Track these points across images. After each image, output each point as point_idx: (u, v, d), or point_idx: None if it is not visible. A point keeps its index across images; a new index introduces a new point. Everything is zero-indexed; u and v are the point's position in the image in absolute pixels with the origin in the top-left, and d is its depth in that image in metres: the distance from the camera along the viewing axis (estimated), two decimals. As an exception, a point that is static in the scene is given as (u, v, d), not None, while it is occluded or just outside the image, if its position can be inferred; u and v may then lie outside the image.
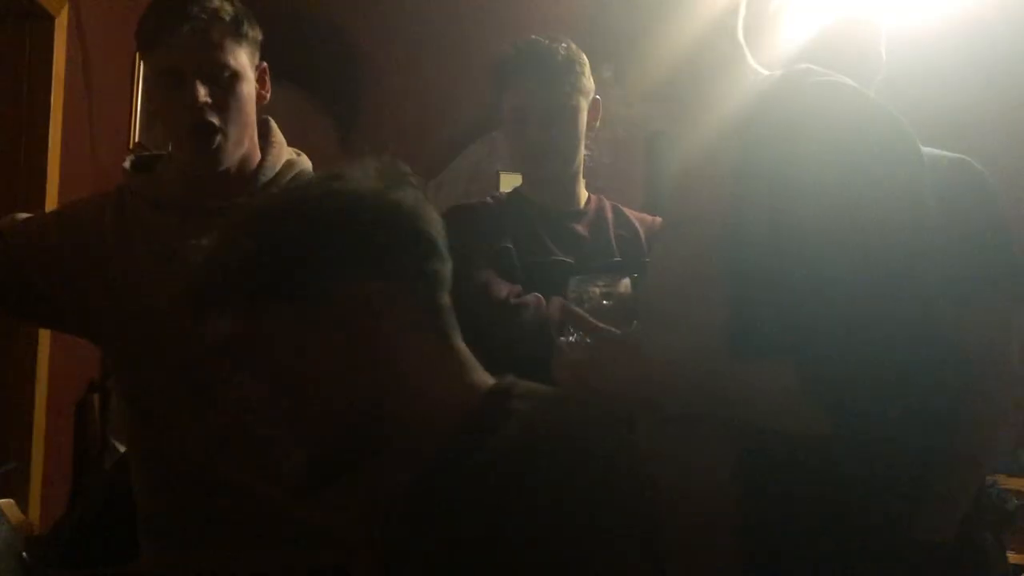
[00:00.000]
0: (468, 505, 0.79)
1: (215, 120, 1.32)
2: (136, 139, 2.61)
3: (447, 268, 0.89)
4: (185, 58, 1.31)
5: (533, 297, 1.55)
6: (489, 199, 1.73)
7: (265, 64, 1.42)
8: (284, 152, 1.46)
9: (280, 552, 1.30)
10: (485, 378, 0.90)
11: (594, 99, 1.73)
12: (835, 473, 1.00)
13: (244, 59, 1.35)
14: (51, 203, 2.03)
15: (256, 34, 1.38)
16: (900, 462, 1.02)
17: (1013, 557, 2.20)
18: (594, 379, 1.08)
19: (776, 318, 1.00)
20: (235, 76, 1.33)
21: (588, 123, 1.72)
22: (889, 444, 1.00)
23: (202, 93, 1.30)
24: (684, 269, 1.12)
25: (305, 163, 1.48)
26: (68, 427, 2.34)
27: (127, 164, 1.46)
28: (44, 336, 2.04)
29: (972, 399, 1.52)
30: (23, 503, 1.92)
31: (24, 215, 1.50)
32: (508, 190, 1.74)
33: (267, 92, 1.43)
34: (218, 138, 1.33)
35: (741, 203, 1.04)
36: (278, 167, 1.42)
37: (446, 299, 0.89)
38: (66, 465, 2.31)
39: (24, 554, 1.41)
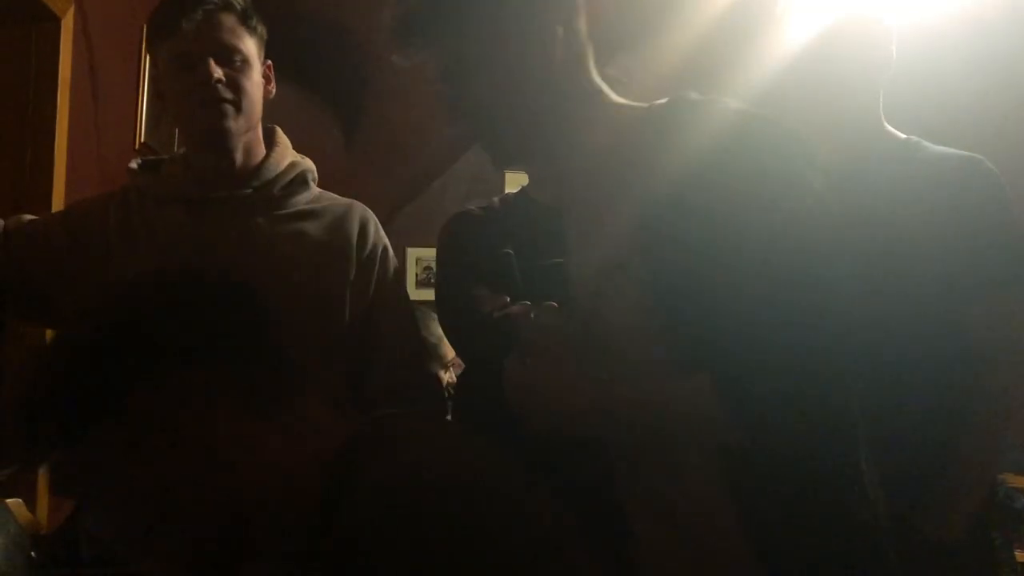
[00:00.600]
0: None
1: (228, 95, 1.35)
2: (142, 140, 2.61)
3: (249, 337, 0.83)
4: (199, 42, 1.36)
5: (519, 307, 1.53)
6: (495, 201, 1.73)
7: (270, 62, 1.44)
8: (288, 154, 1.47)
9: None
10: (340, 429, 0.85)
11: None
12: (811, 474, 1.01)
13: (253, 49, 1.38)
14: (57, 204, 2.03)
15: (263, 31, 1.41)
16: (816, 465, 1.03)
17: (1022, 556, 2.19)
18: (537, 402, 1.09)
19: (696, 334, 1.01)
20: (246, 62, 1.37)
21: None
22: (795, 450, 1.00)
23: (216, 71, 1.34)
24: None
25: (308, 165, 1.49)
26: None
27: (134, 165, 1.48)
28: (51, 335, 2.04)
29: (979, 398, 1.52)
30: (31, 503, 1.92)
31: (30, 217, 1.50)
32: (514, 190, 1.74)
33: (272, 89, 1.45)
34: (230, 112, 1.36)
35: (649, 228, 1.05)
36: (282, 166, 1.43)
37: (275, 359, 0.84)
38: (73, 466, 2.31)
39: (32, 553, 1.41)
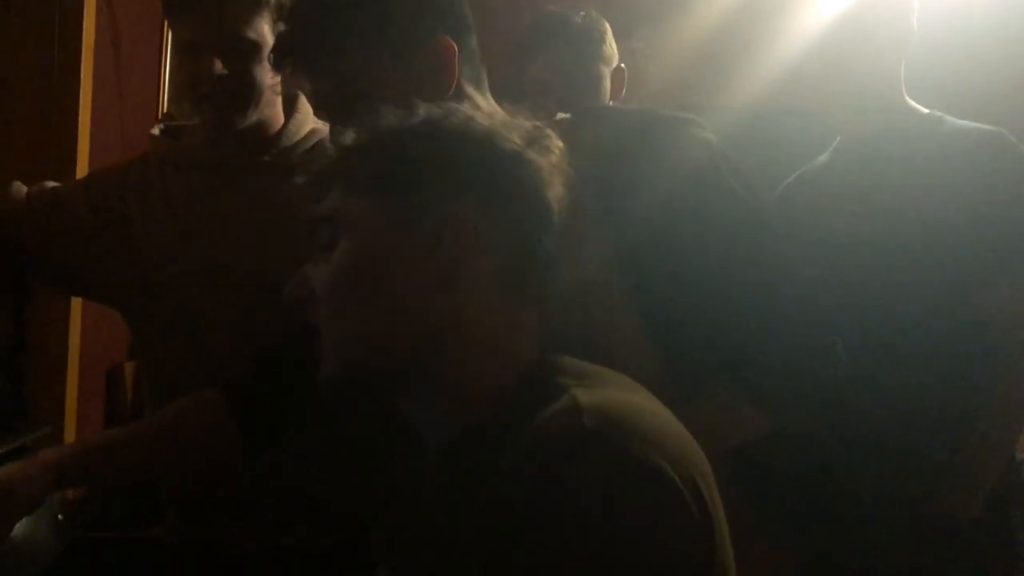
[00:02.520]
0: (482, 486, 0.74)
1: (228, 93, 1.34)
2: (164, 109, 2.63)
3: (550, 228, 0.86)
4: (202, 33, 1.34)
5: None
6: None
7: None
8: (309, 121, 1.47)
9: (298, 528, 1.32)
10: (536, 350, 0.86)
11: (618, 67, 1.71)
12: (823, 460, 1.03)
13: (264, 28, 1.36)
14: (81, 172, 2.05)
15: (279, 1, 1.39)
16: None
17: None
18: None
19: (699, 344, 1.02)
20: (253, 47, 1.35)
21: (613, 92, 1.71)
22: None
23: (217, 67, 1.32)
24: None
25: (328, 132, 1.49)
26: (100, 395, 2.38)
27: (155, 131, 1.48)
28: (76, 304, 2.07)
29: (999, 373, 1.51)
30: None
31: (52, 184, 1.52)
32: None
33: None
34: (234, 107, 1.35)
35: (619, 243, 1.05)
36: (302, 133, 1.44)
37: (525, 261, 0.86)
38: (97, 432, 2.36)
39: (60, 516, 1.44)
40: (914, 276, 1.51)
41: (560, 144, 0.88)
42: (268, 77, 1.38)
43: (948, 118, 1.60)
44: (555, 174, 0.86)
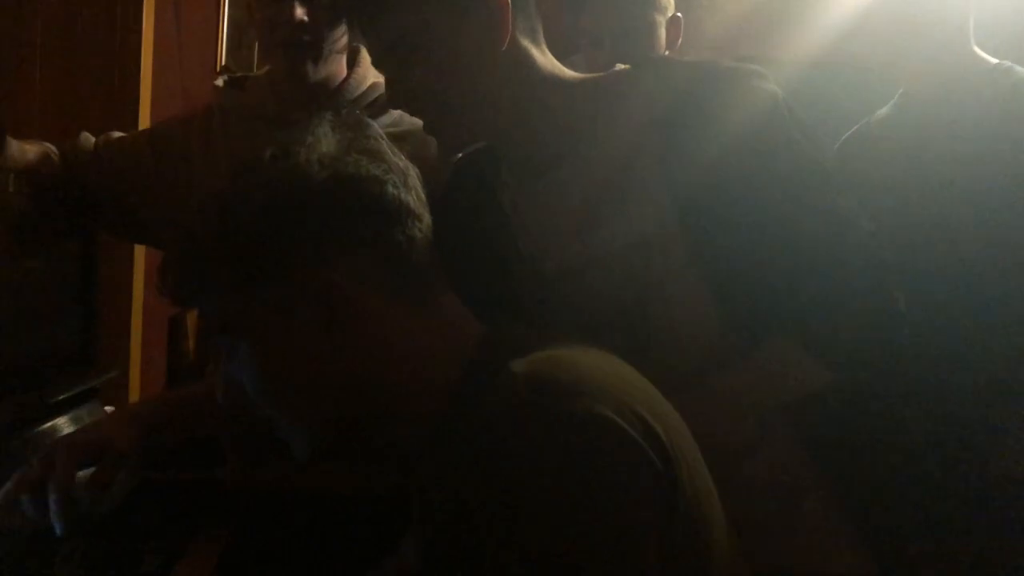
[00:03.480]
0: (466, 466, 0.76)
1: (308, 38, 1.35)
2: (222, 63, 2.66)
3: (418, 225, 0.86)
4: None
5: None
6: None
7: None
8: (370, 75, 1.48)
9: (357, 472, 1.35)
10: (473, 330, 0.88)
11: (674, 16, 1.68)
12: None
13: None
14: (143, 125, 2.10)
15: None
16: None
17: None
18: None
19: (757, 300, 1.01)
20: None
21: (668, 42, 1.68)
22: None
23: (299, 12, 1.33)
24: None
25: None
26: (162, 341, 2.46)
27: (219, 82, 1.50)
28: (140, 252, 2.13)
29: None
30: (122, 411, 2.02)
31: (118, 134, 1.56)
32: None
33: None
34: (309, 56, 1.36)
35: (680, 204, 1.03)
36: (363, 87, 1.45)
37: (422, 255, 0.86)
38: (160, 378, 2.43)
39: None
40: (979, 230, 1.48)
41: (379, 131, 0.88)
42: (341, 32, 1.39)
43: (1018, 68, 1.56)
44: (407, 170, 0.86)
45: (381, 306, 0.83)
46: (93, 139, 1.51)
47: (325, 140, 0.85)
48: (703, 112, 1.01)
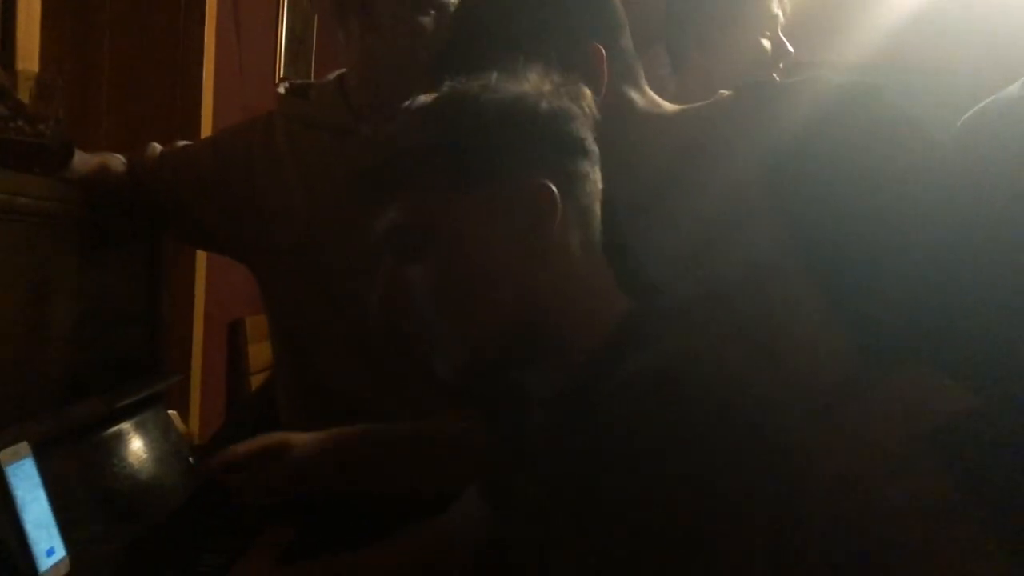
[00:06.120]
0: (594, 434, 0.76)
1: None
2: (280, 75, 2.71)
3: (599, 179, 0.89)
4: None
5: None
6: None
7: None
8: None
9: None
10: (619, 300, 0.89)
11: None
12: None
13: None
14: (205, 134, 2.14)
15: None
16: None
17: None
18: None
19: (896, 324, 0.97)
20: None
21: None
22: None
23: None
24: None
25: None
26: (222, 346, 2.50)
27: (282, 89, 1.52)
28: (201, 257, 2.18)
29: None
30: (184, 415, 2.07)
31: (183, 142, 1.59)
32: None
33: None
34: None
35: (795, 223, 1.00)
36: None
37: (598, 209, 0.89)
38: (220, 383, 2.47)
39: (191, 459, 1.52)
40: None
41: (588, 92, 0.90)
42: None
43: None
44: (588, 120, 0.89)
45: (574, 231, 0.85)
46: (160, 148, 1.55)
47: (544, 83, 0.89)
48: (821, 139, 0.98)
